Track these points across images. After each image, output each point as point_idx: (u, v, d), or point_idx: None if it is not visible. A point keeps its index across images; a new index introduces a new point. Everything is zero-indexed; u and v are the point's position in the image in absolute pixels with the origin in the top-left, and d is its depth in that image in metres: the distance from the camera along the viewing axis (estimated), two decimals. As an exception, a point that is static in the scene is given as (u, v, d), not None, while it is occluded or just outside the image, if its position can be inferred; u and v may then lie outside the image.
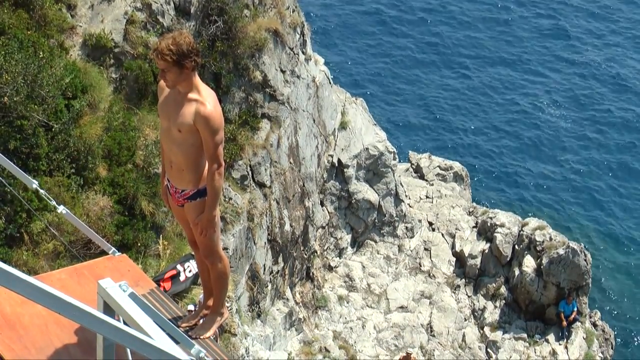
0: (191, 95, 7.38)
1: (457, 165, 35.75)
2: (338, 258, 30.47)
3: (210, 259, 8.00)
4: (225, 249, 21.68)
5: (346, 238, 30.65)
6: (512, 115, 46.73)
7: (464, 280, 31.10)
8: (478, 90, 48.50)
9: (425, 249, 31.92)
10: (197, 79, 7.45)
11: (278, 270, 26.05)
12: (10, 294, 6.49)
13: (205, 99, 7.36)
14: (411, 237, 32.06)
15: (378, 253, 31.20)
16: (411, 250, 31.74)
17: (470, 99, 47.80)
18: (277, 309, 26.08)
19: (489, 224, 31.42)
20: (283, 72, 25.33)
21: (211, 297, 8.32)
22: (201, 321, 8.21)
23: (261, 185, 24.26)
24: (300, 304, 27.96)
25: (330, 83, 29.41)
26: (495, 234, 30.78)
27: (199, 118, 7.30)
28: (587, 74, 50.62)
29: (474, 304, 30.53)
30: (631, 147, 44.94)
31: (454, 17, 55.56)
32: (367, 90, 45.62)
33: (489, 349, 29.42)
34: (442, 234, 32.39)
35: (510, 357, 28.93)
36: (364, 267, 30.63)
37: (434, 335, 29.32)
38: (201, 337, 7.89)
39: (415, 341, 28.84)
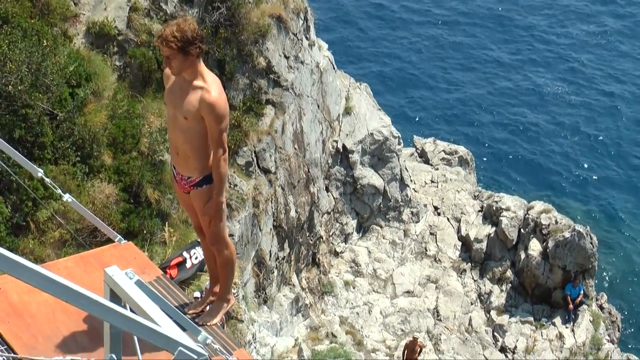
0: (196, 83, 7.37)
1: (462, 150, 35.72)
2: (344, 243, 30.48)
3: (217, 245, 7.99)
4: (231, 235, 21.69)
5: (352, 223, 30.66)
6: (517, 99, 46.67)
7: (470, 264, 31.12)
8: (483, 75, 48.43)
9: (431, 234, 31.93)
10: (202, 66, 7.43)
11: (284, 257, 26.08)
12: (17, 283, 6.50)
13: (210, 86, 7.34)
14: (417, 222, 32.06)
15: (384, 238, 31.21)
16: (417, 235, 31.75)
17: (474, 83, 47.75)
18: (284, 295, 26.12)
19: (494, 208, 31.41)
20: (287, 58, 25.30)
21: (217, 283, 8.32)
22: (208, 308, 8.21)
23: (266, 171, 24.26)
24: (307, 289, 27.99)
25: (334, 68, 29.37)
26: (501, 218, 30.78)
27: (204, 105, 7.29)
28: (593, 57, 50.52)
29: (480, 288, 30.55)
30: (638, 130, 44.88)
31: (460, 2, 55.43)
32: (371, 75, 45.54)
33: (495, 333, 29.45)
34: (448, 219, 32.38)
35: (517, 340, 28.95)
36: (369, 252, 30.64)
37: (440, 320, 29.36)
38: (208, 323, 7.89)
39: (422, 326, 28.87)
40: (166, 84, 7.69)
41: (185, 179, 7.74)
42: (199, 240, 17.76)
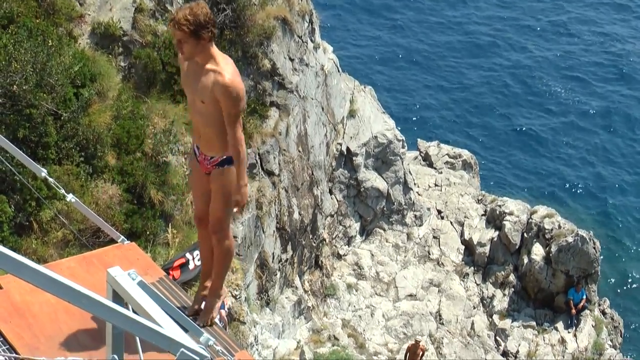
0: (209, 66, 7.40)
1: (466, 153, 35.70)
2: (347, 246, 30.47)
3: (218, 235, 7.93)
4: (234, 237, 21.68)
5: (355, 226, 30.65)
6: (522, 103, 46.64)
7: (472, 268, 31.09)
8: (487, 78, 48.41)
9: (434, 237, 31.91)
10: (215, 49, 7.44)
11: (287, 259, 26.07)
12: (19, 283, 6.50)
13: (223, 69, 7.36)
14: (420, 225, 32.04)
15: (387, 241, 31.20)
16: (420, 239, 31.73)
17: (479, 86, 47.72)
18: (286, 297, 26.11)
19: (497, 212, 31.39)
20: (292, 60, 25.30)
21: (209, 277, 8.26)
22: (203, 305, 8.16)
23: (270, 173, 24.26)
24: (309, 292, 27.99)
25: (339, 71, 29.37)
26: (504, 222, 30.76)
27: (218, 88, 7.32)
28: (600, 60, 50.49)
29: (482, 292, 30.53)
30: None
31: (464, 4, 55.43)
32: (375, 78, 45.55)
33: (497, 337, 29.43)
34: (451, 222, 32.36)
35: (519, 345, 28.93)
36: (372, 255, 30.64)
37: (442, 324, 29.34)
38: (206, 322, 7.86)
39: (424, 329, 28.86)
40: (182, 69, 7.74)
41: (208, 158, 7.78)
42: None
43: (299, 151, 26.08)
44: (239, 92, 7.39)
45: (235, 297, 20.03)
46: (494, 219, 31.57)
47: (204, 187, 7.95)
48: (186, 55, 7.43)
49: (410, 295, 29.93)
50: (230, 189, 7.78)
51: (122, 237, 8.37)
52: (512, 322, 29.72)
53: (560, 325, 29.58)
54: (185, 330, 5.59)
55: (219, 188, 7.79)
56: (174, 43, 7.55)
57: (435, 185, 34.02)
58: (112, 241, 8.48)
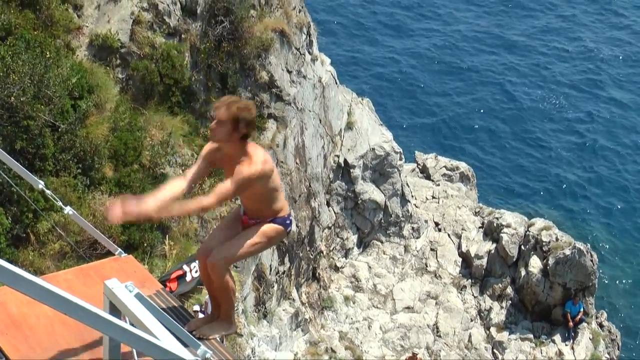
0: (241, 158, 7.45)
1: (463, 166, 35.71)
2: (344, 258, 30.45)
3: (219, 271, 7.86)
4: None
5: (352, 238, 30.63)
6: (519, 116, 46.66)
7: (470, 280, 31.07)
8: (485, 91, 48.46)
9: (432, 250, 31.90)
10: (248, 143, 7.46)
11: (284, 271, 26.04)
12: (16, 294, 6.49)
13: (249, 158, 7.41)
14: (417, 238, 32.03)
15: (384, 253, 31.17)
16: (417, 251, 31.72)
17: (476, 99, 47.76)
18: (283, 310, 26.07)
19: (495, 225, 31.39)
20: (289, 72, 25.33)
21: (219, 308, 8.23)
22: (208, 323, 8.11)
23: (267, 185, 24.20)
24: (306, 304, 27.94)
25: (336, 83, 29.39)
26: (502, 235, 30.75)
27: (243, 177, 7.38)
28: (597, 71, 50.53)
29: (480, 305, 30.50)
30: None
31: (459, 20, 55.54)
32: (373, 91, 45.57)
33: (495, 350, 29.38)
34: (448, 235, 32.35)
35: (517, 357, 28.88)
36: (370, 267, 30.61)
37: (440, 336, 29.29)
38: (205, 337, 7.81)
39: (422, 342, 28.81)
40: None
41: (255, 220, 7.84)
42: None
43: (297, 163, 26.09)
44: (245, 179, 7.36)
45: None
46: (492, 232, 31.56)
47: (236, 228, 7.95)
48: (215, 137, 7.42)
49: (408, 308, 29.89)
50: (266, 239, 7.82)
51: (119, 249, 8.35)
52: (509, 334, 29.68)
53: (557, 338, 29.54)
54: (183, 343, 5.58)
55: (261, 231, 7.81)
56: (211, 124, 7.51)
57: (433, 197, 34.03)
58: (109, 253, 8.46)
